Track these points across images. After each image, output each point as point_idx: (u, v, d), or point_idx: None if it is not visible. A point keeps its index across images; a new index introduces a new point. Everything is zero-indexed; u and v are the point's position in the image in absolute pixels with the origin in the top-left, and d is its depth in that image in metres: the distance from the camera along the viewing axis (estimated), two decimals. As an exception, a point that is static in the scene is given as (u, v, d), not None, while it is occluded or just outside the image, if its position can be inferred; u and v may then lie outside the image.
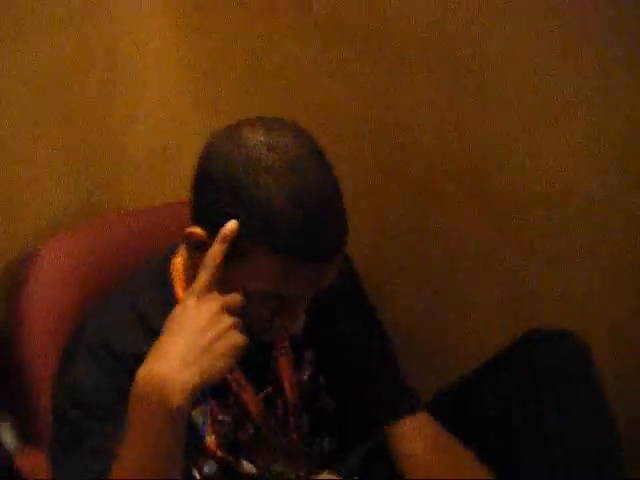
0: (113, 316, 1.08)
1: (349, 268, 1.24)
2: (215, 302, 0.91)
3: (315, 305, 1.07)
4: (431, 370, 1.54)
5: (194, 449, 1.08)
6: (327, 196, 0.94)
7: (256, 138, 0.94)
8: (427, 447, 1.19)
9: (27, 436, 1.27)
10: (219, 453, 1.12)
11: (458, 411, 1.28)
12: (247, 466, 1.15)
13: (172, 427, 0.87)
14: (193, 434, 1.06)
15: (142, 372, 0.88)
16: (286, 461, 1.20)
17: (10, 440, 1.25)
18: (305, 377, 1.21)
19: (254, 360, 1.13)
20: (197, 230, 0.96)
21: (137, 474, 0.88)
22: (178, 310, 0.91)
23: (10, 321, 1.26)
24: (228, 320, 0.91)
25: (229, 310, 0.92)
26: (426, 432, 1.21)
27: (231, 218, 0.92)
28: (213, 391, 1.08)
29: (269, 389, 1.17)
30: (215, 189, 0.94)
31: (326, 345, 1.22)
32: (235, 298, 0.93)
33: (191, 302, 0.91)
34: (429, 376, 1.41)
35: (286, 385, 1.18)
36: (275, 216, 0.91)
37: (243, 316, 0.95)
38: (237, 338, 0.90)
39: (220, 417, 1.12)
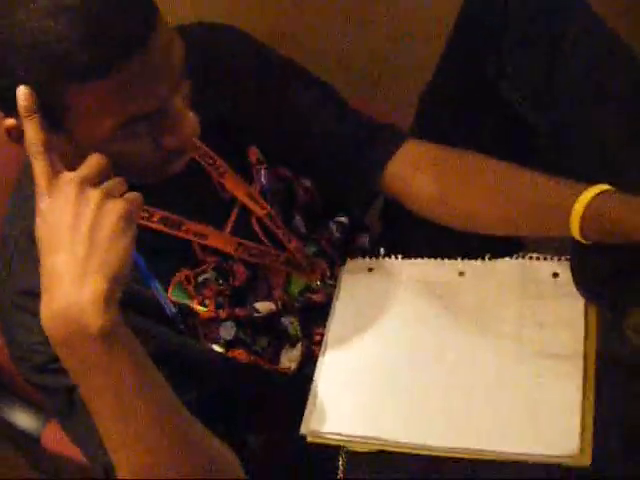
0: (16, 257, 0.88)
1: (234, 37, 1.01)
2: (68, 184, 0.69)
3: (221, 91, 0.93)
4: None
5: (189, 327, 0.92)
6: None
7: None
8: (430, 168, 0.98)
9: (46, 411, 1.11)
10: (223, 314, 0.94)
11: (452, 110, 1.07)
12: (263, 306, 0.98)
13: (115, 351, 0.68)
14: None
15: (44, 318, 0.68)
16: (301, 274, 1.03)
17: (30, 423, 1.10)
18: (262, 179, 1.01)
19: (199, 201, 0.95)
20: (9, 121, 0.75)
21: (123, 425, 0.71)
22: (37, 223, 0.70)
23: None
24: (94, 194, 0.69)
25: (93, 181, 0.70)
26: (423, 154, 1.00)
27: (15, 85, 0.71)
28: (178, 260, 0.93)
29: (232, 216, 0.97)
30: None
31: (264, 128, 1.00)
32: (91, 161, 0.71)
33: (44, 204, 0.70)
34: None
35: (246, 201, 0.98)
36: (54, 47, 0.69)
37: (127, 168, 0.76)
38: (115, 206, 0.69)
39: (201, 278, 0.94)
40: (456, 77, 1.05)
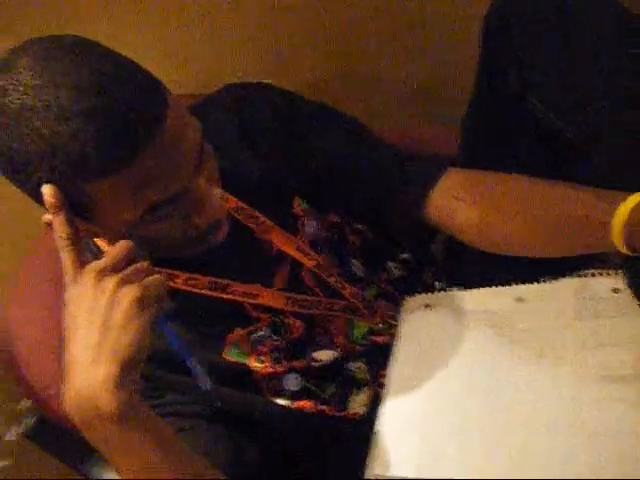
0: None
1: (264, 94, 1.02)
2: (89, 274, 0.73)
3: (259, 148, 0.95)
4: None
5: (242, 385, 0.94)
6: (98, 84, 0.72)
7: None
8: (470, 196, 0.97)
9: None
10: (280, 368, 0.96)
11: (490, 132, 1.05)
12: (323, 355, 0.99)
13: (132, 430, 0.71)
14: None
15: (65, 403, 0.72)
16: (361, 318, 1.03)
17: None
18: (310, 229, 1.02)
19: (247, 261, 0.97)
20: (46, 217, 0.78)
21: None
22: (64, 313, 0.74)
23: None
24: (109, 282, 0.72)
25: (115, 268, 0.73)
26: (462, 182, 0.99)
27: (41, 184, 0.74)
28: (231, 321, 0.95)
29: (281, 271, 0.98)
30: (12, 171, 0.76)
31: (303, 179, 1.01)
32: (114, 250, 0.75)
33: (69, 294, 0.74)
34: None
35: (294, 254, 0.99)
36: (69, 150, 0.71)
37: (163, 247, 0.82)
38: (129, 292, 0.71)
39: (255, 336, 0.96)
40: (486, 95, 1.03)
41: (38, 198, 0.76)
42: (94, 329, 0.70)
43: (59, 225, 0.75)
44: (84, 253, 0.76)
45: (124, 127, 0.71)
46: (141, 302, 0.71)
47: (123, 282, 0.72)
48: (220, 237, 0.87)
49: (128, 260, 0.74)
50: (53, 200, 0.74)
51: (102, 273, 0.72)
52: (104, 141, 0.71)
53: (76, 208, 0.76)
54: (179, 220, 0.81)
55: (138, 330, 0.71)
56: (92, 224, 0.79)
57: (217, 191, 0.83)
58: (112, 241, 0.81)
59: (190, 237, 0.83)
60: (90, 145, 0.71)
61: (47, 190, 0.74)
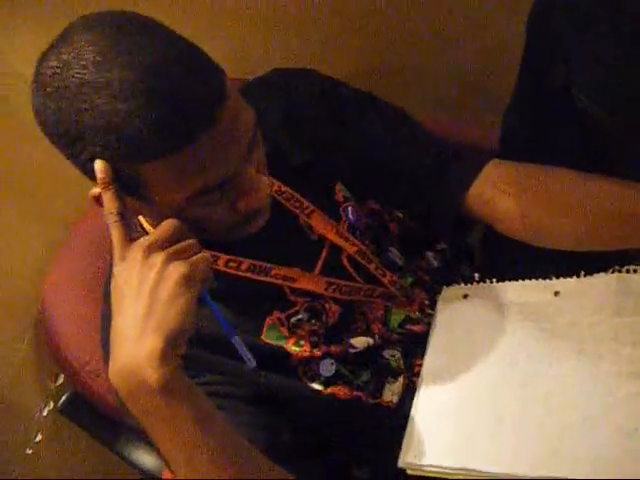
0: None
1: (310, 80, 1.03)
2: (137, 249, 0.74)
3: (303, 135, 0.95)
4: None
5: (280, 370, 0.94)
6: (163, 65, 0.73)
7: (49, 67, 0.74)
8: (512, 187, 0.97)
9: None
10: (318, 352, 0.96)
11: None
12: (359, 341, 1.00)
13: (174, 402, 0.72)
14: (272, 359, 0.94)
15: (110, 373, 0.74)
16: (400, 306, 1.04)
17: (151, 464, 1.16)
18: (350, 216, 1.02)
19: (287, 244, 0.97)
20: (94, 190, 0.79)
21: (186, 467, 0.75)
22: (111, 286, 0.76)
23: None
24: (157, 258, 0.73)
25: (163, 245, 0.74)
26: (504, 174, 0.99)
27: (93, 159, 0.75)
28: (269, 304, 0.96)
29: (322, 256, 0.99)
30: (65, 143, 0.76)
31: (346, 165, 1.02)
32: (163, 227, 0.76)
33: (117, 268, 0.75)
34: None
35: (335, 239, 0.99)
36: (126, 129, 0.72)
37: (207, 229, 0.82)
38: (176, 268, 0.72)
39: (293, 319, 0.96)
40: (530, 88, 1.03)
41: (87, 172, 0.77)
42: (141, 303, 0.72)
43: (108, 201, 0.76)
44: (132, 229, 0.77)
45: (184, 110, 0.72)
46: (188, 279, 0.72)
47: (171, 258, 0.73)
48: (259, 225, 0.88)
49: (176, 237, 0.75)
50: (103, 175, 0.75)
51: (150, 249, 0.74)
52: (162, 122, 0.72)
53: (124, 184, 0.77)
54: (226, 205, 0.81)
55: (184, 306, 0.72)
56: (140, 200, 0.80)
57: (264, 179, 0.83)
58: (155, 220, 0.82)
59: (232, 223, 0.84)
60: (148, 126, 0.71)
61: (99, 165, 0.75)
